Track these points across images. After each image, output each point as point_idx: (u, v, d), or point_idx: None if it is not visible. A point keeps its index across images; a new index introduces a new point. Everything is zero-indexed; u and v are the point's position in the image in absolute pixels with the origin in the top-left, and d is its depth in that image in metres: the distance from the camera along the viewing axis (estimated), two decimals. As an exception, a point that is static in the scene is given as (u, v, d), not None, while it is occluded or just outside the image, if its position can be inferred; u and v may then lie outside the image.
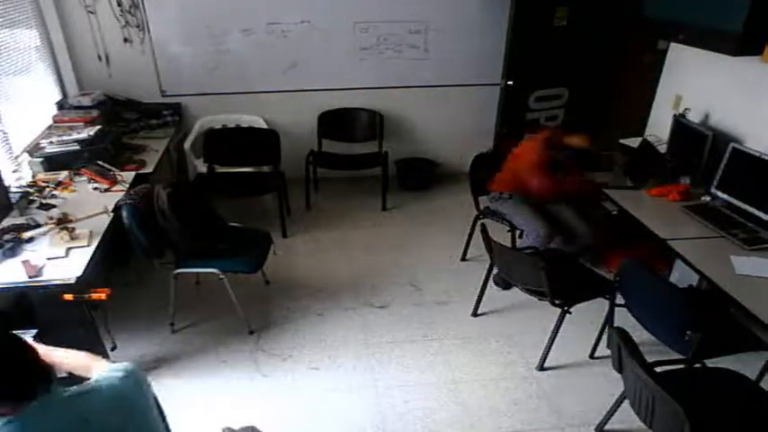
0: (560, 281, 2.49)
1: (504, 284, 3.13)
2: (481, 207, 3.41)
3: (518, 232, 3.51)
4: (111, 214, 2.65)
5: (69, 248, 2.36)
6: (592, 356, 2.76)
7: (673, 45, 3.55)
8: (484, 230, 2.72)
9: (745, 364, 2.17)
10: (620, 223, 3.01)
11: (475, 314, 3.06)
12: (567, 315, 2.58)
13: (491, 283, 3.05)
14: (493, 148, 4.18)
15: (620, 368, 1.95)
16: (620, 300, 2.53)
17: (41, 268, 2.22)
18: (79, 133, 3.30)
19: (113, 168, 3.17)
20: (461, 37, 4.30)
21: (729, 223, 2.58)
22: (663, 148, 3.36)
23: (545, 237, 3.00)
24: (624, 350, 1.82)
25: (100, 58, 4.03)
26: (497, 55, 4.38)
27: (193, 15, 4.00)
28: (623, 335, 1.85)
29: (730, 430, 1.91)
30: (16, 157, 3.15)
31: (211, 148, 3.95)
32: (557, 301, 2.54)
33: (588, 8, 4.08)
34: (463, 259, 3.56)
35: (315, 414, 2.45)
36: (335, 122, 4.43)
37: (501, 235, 3.36)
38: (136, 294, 3.19)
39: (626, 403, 2.04)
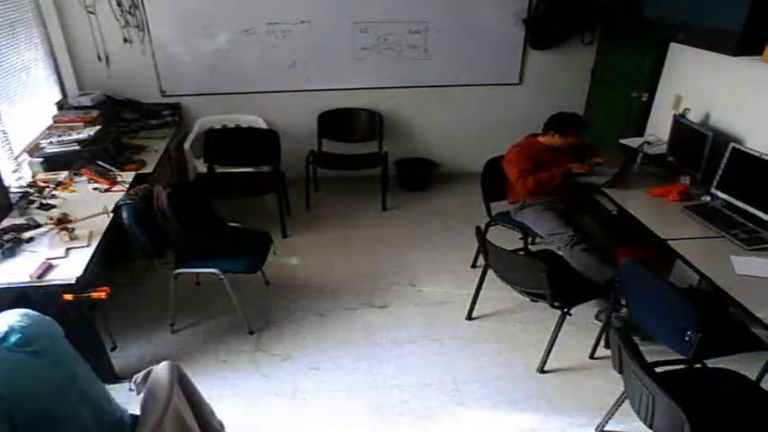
0: (559, 283, 2.48)
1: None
2: (493, 214, 3.35)
3: (530, 238, 3.49)
4: (111, 214, 2.65)
5: (69, 248, 2.36)
6: (592, 357, 2.75)
7: (673, 45, 3.55)
8: (479, 232, 2.72)
9: (745, 365, 2.17)
10: (620, 223, 3.02)
11: (469, 317, 3.04)
12: (567, 316, 2.58)
13: (488, 283, 3.02)
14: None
15: (620, 369, 1.95)
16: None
17: (48, 269, 2.22)
18: (79, 133, 3.30)
19: (113, 168, 3.17)
20: (461, 37, 4.30)
21: (729, 223, 2.58)
22: (663, 149, 3.36)
23: (570, 241, 2.88)
24: (624, 351, 1.82)
25: (100, 58, 4.03)
26: (497, 55, 4.39)
27: (193, 15, 4.00)
28: (623, 335, 1.85)
29: (730, 431, 1.91)
30: (16, 158, 3.15)
31: (211, 149, 3.95)
32: (556, 304, 2.53)
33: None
34: (473, 266, 3.51)
35: (315, 414, 2.45)
36: (335, 122, 4.43)
37: (510, 240, 3.35)
38: (136, 294, 3.19)
39: (626, 403, 2.04)
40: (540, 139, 3.13)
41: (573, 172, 3.05)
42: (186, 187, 3.51)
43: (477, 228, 2.75)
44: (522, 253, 3.16)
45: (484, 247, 2.71)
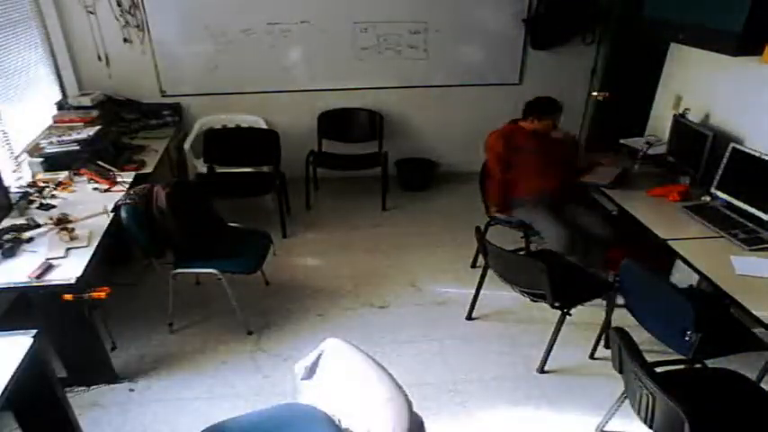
0: (560, 283, 2.47)
1: None
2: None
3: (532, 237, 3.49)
4: (111, 214, 2.65)
5: (69, 248, 2.36)
6: (592, 357, 2.75)
7: (673, 45, 3.55)
8: (478, 232, 2.71)
9: (745, 365, 2.17)
10: (620, 223, 3.02)
11: (469, 317, 3.03)
12: (567, 316, 2.57)
13: (488, 283, 3.03)
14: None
15: (620, 368, 1.94)
16: (619, 300, 2.53)
17: (48, 269, 2.22)
18: (79, 133, 3.30)
19: (113, 168, 3.17)
20: (461, 37, 4.30)
21: (729, 223, 2.58)
22: (663, 149, 3.36)
23: (568, 244, 2.92)
24: (624, 351, 1.81)
25: (100, 58, 4.03)
26: (497, 55, 4.39)
27: (193, 15, 4.00)
28: (624, 335, 1.85)
29: (730, 431, 1.90)
30: (16, 158, 3.15)
31: (211, 149, 3.95)
32: (556, 304, 2.53)
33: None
34: (473, 266, 3.51)
35: (315, 414, 2.44)
36: (335, 122, 4.43)
37: (511, 240, 3.36)
38: (135, 294, 3.19)
39: (626, 403, 2.04)
40: (522, 123, 3.17)
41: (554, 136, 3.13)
42: (186, 187, 3.51)
43: (477, 228, 2.75)
44: (522, 253, 3.16)
45: (483, 247, 2.71)
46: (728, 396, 2.01)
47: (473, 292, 3.03)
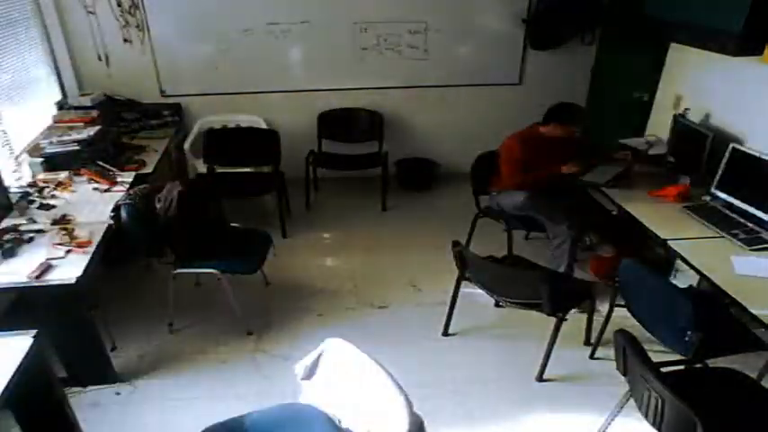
0: (555, 290, 2.43)
1: None
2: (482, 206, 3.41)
3: (523, 233, 3.50)
4: (111, 214, 2.64)
5: (69, 249, 2.36)
6: (592, 357, 2.75)
7: (673, 45, 3.55)
8: (456, 244, 2.63)
9: (745, 365, 2.17)
10: (619, 223, 3.02)
11: (446, 333, 2.94)
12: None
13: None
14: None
15: (624, 371, 1.93)
16: (619, 300, 2.53)
17: (48, 269, 2.22)
18: (79, 133, 3.30)
19: (113, 168, 3.17)
20: (461, 37, 4.30)
21: (729, 223, 2.58)
22: (663, 149, 3.37)
23: (525, 200, 3.08)
24: (630, 354, 1.80)
25: (100, 58, 4.03)
26: (497, 55, 4.39)
27: (193, 15, 4.00)
28: (629, 338, 1.83)
29: (737, 430, 1.90)
30: (16, 158, 3.15)
31: (211, 149, 3.95)
32: (552, 311, 2.49)
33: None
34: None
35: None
36: (335, 122, 4.43)
37: (497, 235, 3.37)
38: (135, 294, 3.19)
39: (627, 405, 2.03)
40: (542, 129, 3.13)
41: (565, 172, 3.09)
42: (198, 186, 3.52)
43: (455, 242, 2.66)
44: (496, 256, 3.11)
45: (462, 260, 2.66)
46: (732, 395, 2.00)
47: (474, 291, 3.02)
